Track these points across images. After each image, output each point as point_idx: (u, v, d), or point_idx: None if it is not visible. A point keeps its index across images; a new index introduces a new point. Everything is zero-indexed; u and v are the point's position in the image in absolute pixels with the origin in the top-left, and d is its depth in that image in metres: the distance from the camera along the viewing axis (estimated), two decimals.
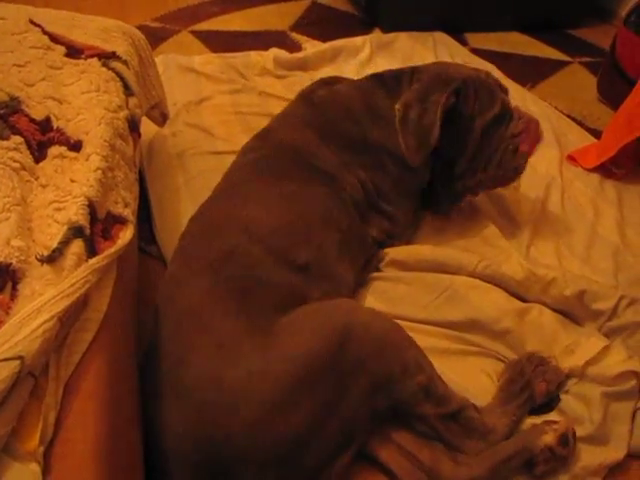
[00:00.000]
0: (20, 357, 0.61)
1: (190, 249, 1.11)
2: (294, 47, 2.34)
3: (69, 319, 0.71)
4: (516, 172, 1.40)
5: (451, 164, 1.35)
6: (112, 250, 0.83)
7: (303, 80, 1.98)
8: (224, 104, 1.89)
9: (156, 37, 2.32)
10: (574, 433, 1.03)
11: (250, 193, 1.19)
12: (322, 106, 1.36)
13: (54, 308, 0.68)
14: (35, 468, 0.58)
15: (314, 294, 1.07)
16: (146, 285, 1.24)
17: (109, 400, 0.70)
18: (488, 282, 1.29)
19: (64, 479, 0.60)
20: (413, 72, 1.37)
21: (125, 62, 1.29)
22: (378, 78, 1.40)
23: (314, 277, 1.09)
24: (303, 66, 2.16)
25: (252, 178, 1.23)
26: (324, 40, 2.33)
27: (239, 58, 2.15)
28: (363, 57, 2.23)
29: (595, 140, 1.89)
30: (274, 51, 2.18)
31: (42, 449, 0.60)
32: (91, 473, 0.61)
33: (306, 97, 1.43)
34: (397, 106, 1.27)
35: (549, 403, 1.12)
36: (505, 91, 1.40)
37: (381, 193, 1.32)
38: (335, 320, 0.96)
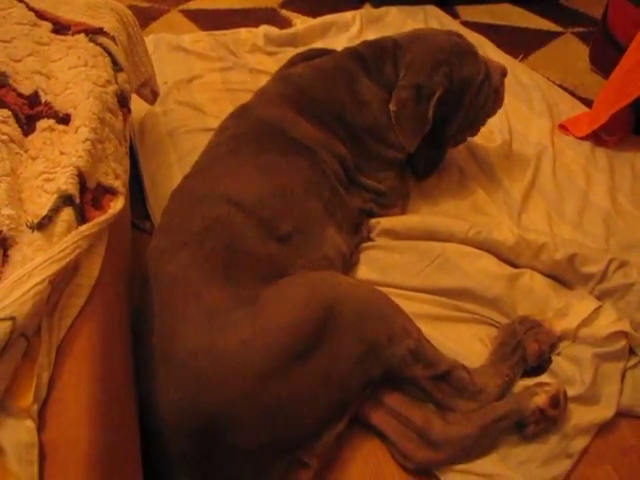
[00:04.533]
0: (12, 318, 0.62)
1: (172, 223, 1.10)
2: (284, 23, 2.33)
3: (60, 283, 0.72)
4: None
5: (441, 130, 1.38)
6: (103, 218, 0.83)
7: None
8: (215, 82, 1.89)
9: (146, 17, 2.31)
10: (565, 395, 1.04)
11: (229, 167, 1.19)
12: (301, 84, 1.36)
13: (45, 271, 0.68)
14: (30, 424, 0.59)
15: (297, 263, 1.08)
16: (141, 261, 1.23)
17: (102, 362, 0.71)
18: (479, 249, 1.30)
19: (58, 435, 0.61)
20: (394, 50, 1.38)
21: (113, 38, 1.29)
22: (359, 58, 1.40)
23: (296, 247, 1.10)
24: (293, 42, 2.16)
25: (231, 153, 1.23)
26: (314, 16, 2.33)
27: (229, 35, 2.15)
28: (353, 32, 2.22)
29: (587, 109, 1.89)
30: (264, 28, 2.18)
31: (36, 407, 0.61)
32: (85, 430, 0.62)
33: (283, 75, 1.44)
34: (391, 107, 1.34)
35: (541, 365, 1.13)
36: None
37: (360, 167, 1.34)
38: (321, 292, 0.98)
